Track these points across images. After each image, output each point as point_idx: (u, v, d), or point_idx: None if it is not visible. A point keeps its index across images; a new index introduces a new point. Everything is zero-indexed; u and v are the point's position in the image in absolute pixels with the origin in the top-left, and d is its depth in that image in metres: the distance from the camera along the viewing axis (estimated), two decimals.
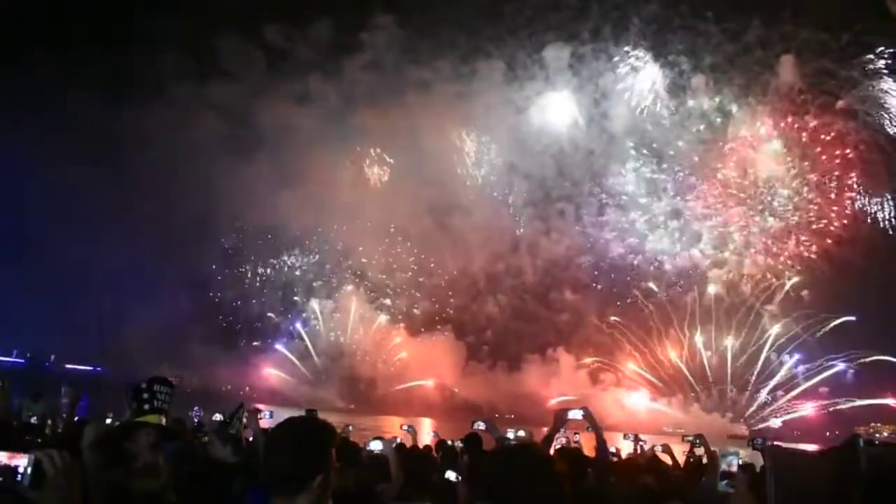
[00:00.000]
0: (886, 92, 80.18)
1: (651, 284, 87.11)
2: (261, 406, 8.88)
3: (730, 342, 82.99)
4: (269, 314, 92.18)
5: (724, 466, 7.36)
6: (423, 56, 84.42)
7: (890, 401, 75.65)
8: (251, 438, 8.17)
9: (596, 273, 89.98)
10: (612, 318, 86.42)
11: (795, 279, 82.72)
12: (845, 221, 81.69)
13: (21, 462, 2.62)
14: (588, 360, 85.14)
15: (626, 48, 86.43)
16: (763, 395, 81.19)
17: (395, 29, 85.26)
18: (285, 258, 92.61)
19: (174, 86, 79.49)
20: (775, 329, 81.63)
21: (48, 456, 2.61)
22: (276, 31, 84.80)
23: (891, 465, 4.72)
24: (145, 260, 76.81)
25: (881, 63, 78.79)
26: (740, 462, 8.36)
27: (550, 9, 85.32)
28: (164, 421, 4.95)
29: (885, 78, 79.47)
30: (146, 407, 5.07)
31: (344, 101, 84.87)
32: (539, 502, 2.96)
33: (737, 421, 79.88)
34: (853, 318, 77.90)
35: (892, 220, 79.94)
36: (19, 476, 2.59)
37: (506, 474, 3.14)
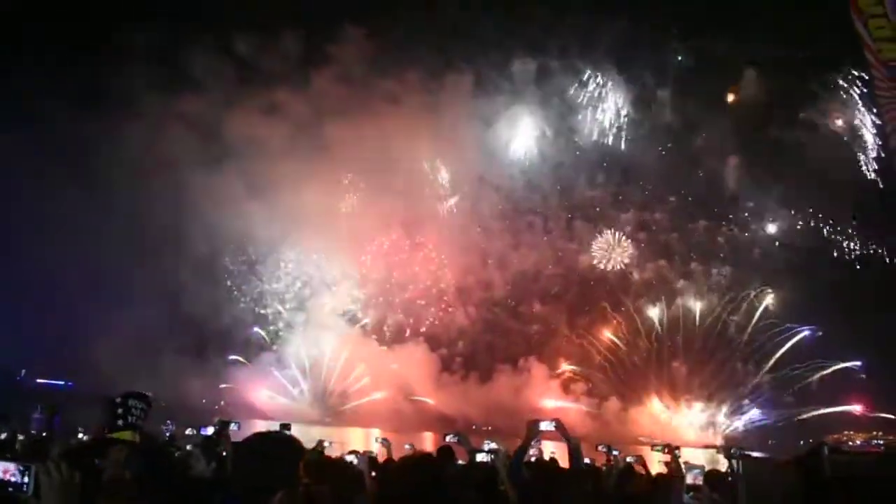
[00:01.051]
0: (848, 107, 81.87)
1: (620, 296, 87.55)
2: (228, 420, 8.78)
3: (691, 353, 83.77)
4: (253, 327, 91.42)
5: (689, 479, 7.43)
6: (392, 69, 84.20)
7: (854, 407, 76.48)
8: (224, 453, 8.09)
9: (564, 285, 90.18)
10: (583, 329, 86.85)
11: (761, 290, 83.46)
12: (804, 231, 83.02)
13: (13, 473, 2.71)
14: (565, 368, 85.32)
15: (592, 63, 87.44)
16: (732, 404, 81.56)
17: (364, 41, 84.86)
18: (257, 269, 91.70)
19: (143, 96, 78.39)
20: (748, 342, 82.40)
21: (46, 468, 2.66)
22: (245, 43, 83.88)
23: (854, 472, 4.79)
24: (116, 272, 75.74)
25: (841, 79, 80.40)
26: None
27: (518, 24, 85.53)
28: (137, 438, 4.87)
29: (848, 93, 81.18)
30: (120, 423, 4.97)
31: (313, 113, 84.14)
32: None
33: (709, 429, 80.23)
34: (812, 329, 79.07)
35: (853, 231, 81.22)
36: (24, 487, 2.69)
37: (396, 487, 3.17)
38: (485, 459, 7.50)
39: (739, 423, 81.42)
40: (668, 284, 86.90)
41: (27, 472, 2.92)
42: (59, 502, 2.71)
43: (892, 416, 75.92)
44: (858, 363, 77.10)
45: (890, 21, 7.06)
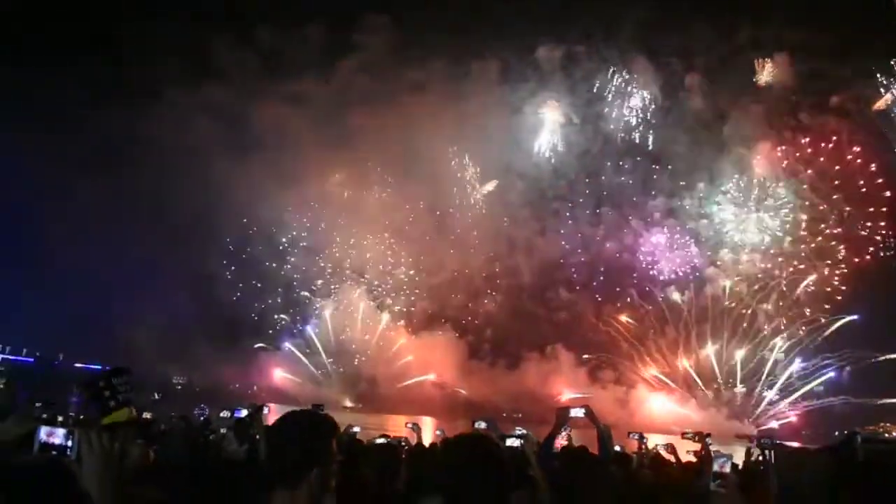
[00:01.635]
0: (879, 91, 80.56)
1: (648, 286, 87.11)
2: (261, 404, 8.87)
3: (720, 341, 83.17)
4: (279, 315, 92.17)
5: (716, 467, 7.37)
6: (416, 57, 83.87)
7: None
8: (257, 436, 8.17)
9: (592, 272, 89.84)
10: (610, 316, 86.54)
11: (791, 279, 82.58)
12: (839, 220, 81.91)
13: (60, 437, 3.00)
14: (589, 357, 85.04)
15: (618, 49, 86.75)
16: (770, 394, 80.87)
17: (388, 29, 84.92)
18: (287, 257, 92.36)
19: (169, 88, 79.05)
20: (779, 331, 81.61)
21: (87, 436, 2.82)
22: (270, 34, 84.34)
23: (888, 460, 4.73)
24: (149, 260, 77.00)
25: (872, 63, 78.99)
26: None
27: (542, 10, 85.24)
28: (133, 412, 4.86)
29: (878, 77, 79.83)
30: (112, 404, 4.93)
31: (338, 102, 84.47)
32: (483, 492, 3.01)
33: (742, 420, 79.59)
34: (855, 318, 77.97)
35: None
36: (68, 450, 2.93)
37: (452, 465, 3.20)
38: (514, 445, 7.50)
39: (776, 414, 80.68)
40: (697, 271, 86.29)
41: (71, 437, 3.13)
42: (98, 467, 2.87)
43: None
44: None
45: None
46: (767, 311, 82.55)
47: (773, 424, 78.90)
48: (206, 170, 76.97)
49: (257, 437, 7.77)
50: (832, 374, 78.21)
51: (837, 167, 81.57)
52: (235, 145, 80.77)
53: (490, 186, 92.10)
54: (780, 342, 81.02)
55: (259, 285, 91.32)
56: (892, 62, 77.85)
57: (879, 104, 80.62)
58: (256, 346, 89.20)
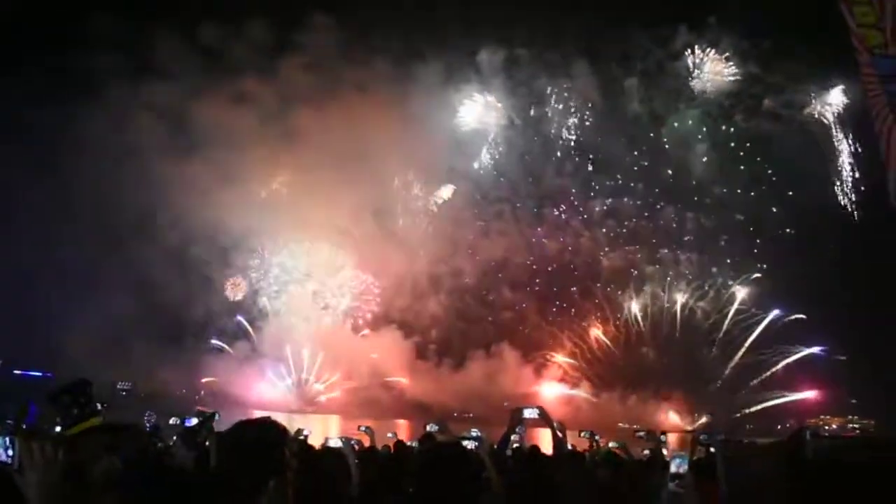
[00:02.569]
0: (810, 95, 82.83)
1: (589, 284, 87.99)
2: (213, 411, 8.74)
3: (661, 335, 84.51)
4: (228, 316, 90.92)
5: (673, 468, 7.44)
6: (360, 57, 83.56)
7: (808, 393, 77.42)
8: (207, 443, 8.01)
9: (534, 272, 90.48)
10: (553, 315, 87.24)
11: (729, 278, 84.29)
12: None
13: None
14: (559, 359, 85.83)
15: (560, 52, 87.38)
16: (716, 392, 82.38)
17: (332, 29, 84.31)
18: (230, 258, 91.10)
19: (108, 85, 77.19)
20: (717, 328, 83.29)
21: (27, 446, 2.66)
22: (212, 31, 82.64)
23: (835, 457, 4.81)
24: (89, 262, 74.93)
25: (803, 68, 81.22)
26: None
27: (485, 13, 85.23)
28: (102, 421, 4.74)
29: (807, 82, 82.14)
30: (87, 411, 4.84)
31: (282, 102, 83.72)
32: (453, 496, 2.98)
33: (691, 417, 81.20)
34: (781, 315, 79.99)
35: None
36: (9, 460, 2.76)
37: (422, 471, 3.16)
38: (469, 447, 7.48)
39: (716, 410, 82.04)
40: (637, 271, 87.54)
41: (12, 446, 2.99)
42: (40, 477, 2.70)
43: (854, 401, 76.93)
44: (819, 348, 77.96)
45: (874, 8, 7.09)
46: (704, 309, 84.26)
47: (731, 418, 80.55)
48: (147, 170, 75.73)
49: (206, 443, 7.63)
50: (779, 368, 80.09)
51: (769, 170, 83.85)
52: (176, 145, 79.42)
53: (447, 193, 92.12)
54: (722, 338, 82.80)
55: (203, 288, 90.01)
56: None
57: (810, 109, 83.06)
58: (210, 342, 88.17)
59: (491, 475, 6.03)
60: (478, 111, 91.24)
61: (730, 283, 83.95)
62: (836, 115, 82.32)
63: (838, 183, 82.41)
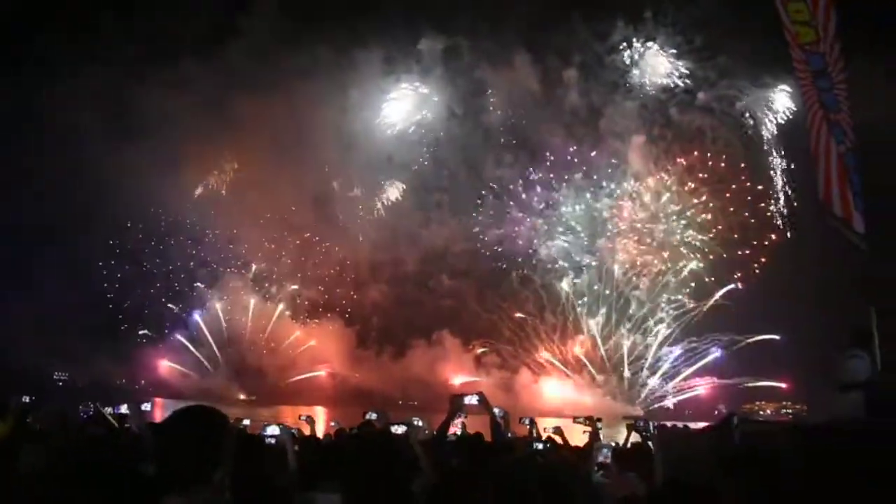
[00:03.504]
0: (741, 91, 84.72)
1: (528, 271, 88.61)
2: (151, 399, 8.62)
3: (597, 323, 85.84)
4: (166, 304, 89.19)
5: (599, 458, 7.56)
6: (301, 43, 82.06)
7: (769, 382, 79.27)
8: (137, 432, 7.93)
9: (473, 260, 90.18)
10: (492, 303, 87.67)
11: (666, 265, 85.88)
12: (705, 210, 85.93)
13: None
14: (475, 343, 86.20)
15: (500, 43, 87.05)
16: (654, 379, 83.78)
17: (273, 15, 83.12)
18: (168, 246, 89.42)
19: (42, 67, 75.24)
20: (652, 316, 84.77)
21: None
22: (152, 13, 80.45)
23: (762, 441, 4.95)
24: (19, 251, 72.74)
25: (735, 64, 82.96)
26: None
27: (426, 2, 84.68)
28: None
29: (741, 77, 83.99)
30: None
31: (221, 88, 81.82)
32: (380, 481, 2.99)
33: (631, 403, 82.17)
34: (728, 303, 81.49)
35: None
36: None
37: (349, 458, 3.18)
38: (398, 432, 7.51)
39: (655, 395, 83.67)
40: (575, 260, 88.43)
41: None
42: None
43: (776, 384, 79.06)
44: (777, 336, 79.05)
45: (807, 5, 7.27)
46: (639, 298, 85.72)
47: (668, 404, 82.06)
48: (81, 155, 73.46)
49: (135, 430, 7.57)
50: (717, 354, 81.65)
51: (708, 163, 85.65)
52: (113, 129, 77.26)
53: (394, 194, 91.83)
54: (657, 327, 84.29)
55: (140, 275, 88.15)
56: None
57: (742, 105, 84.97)
58: (142, 333, 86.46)
59: (422, 461, 6.06)
60: (417, 101, 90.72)
61: (665, 272, 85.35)
62: (768, 111, 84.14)
63: (772, 174, 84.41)
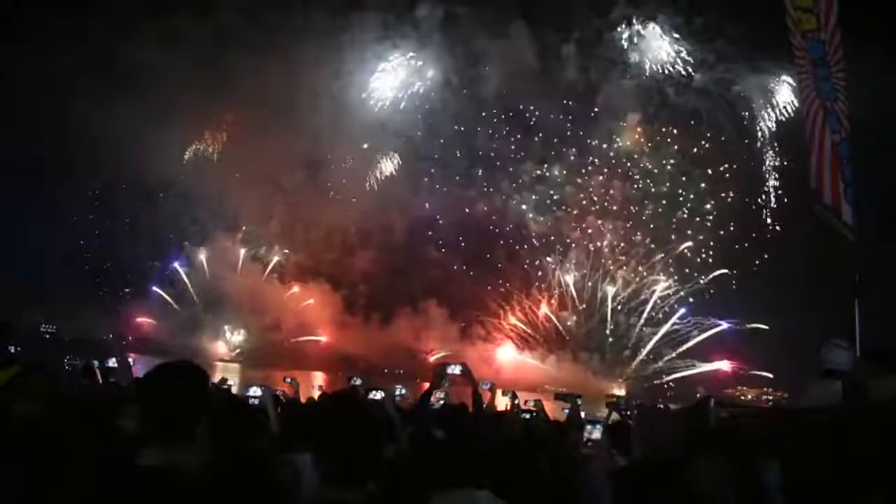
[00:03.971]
0: (738, 75, 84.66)
1: (517, 247, 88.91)
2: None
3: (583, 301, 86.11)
4: (152, 261, 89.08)
5: (586, 434, 7.65)
6: (296, 4, 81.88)
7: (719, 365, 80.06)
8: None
9: (462, 232, 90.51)
10: (479, 276, 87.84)
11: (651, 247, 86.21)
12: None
13: None
14: (460, 315, 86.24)
15: (498, 13, 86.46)
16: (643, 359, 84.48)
17: None
18: (157, 203, 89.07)
19: (31, 15, 74.31)
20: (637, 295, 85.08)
21: None
22: None
23: (738, 423, 5.03)
24: (6, 200, 72.20)
25: (733, 48, 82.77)
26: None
27: None
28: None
29: (737, 62, 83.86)
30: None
31: (214, 43, 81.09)
32: (351, 443, 3.02)
33: (615, 380, 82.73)
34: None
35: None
36: None
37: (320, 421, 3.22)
38: (376, 398, 7.60)
39: (645, 375, 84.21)
40: (563, 236, 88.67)
41: None
42: None
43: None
44: (735, 321, 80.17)
45: None
46: (625, 278, 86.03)
47: (636, 386, 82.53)
48: (69, 106, 72.84)
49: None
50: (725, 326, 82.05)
51: (703, 145, 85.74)
52: (102, 81, 76.29)
53: (389, 167, 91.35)
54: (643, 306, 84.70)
55: (126, 230, 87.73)
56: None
57: (738, 88, 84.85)
58: (133, 287, 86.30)
59: (397, 428, 6.12)
60: (412, 69, 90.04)
61: (652, 251, 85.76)
62: (764, 97, 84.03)
63: (764, 160, 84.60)
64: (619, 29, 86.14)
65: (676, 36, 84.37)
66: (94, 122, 73.05)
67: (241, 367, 71.27)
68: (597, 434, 7.43)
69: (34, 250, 70.58)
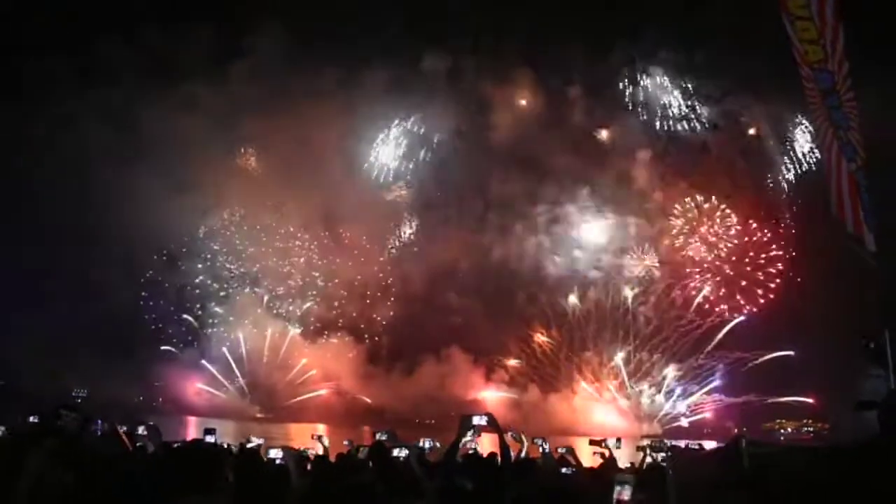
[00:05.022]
0: (745, 107, 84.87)
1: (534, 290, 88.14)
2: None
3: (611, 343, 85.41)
4: (184, 318, 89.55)
5: (615, 496, 7.38)
6: (309, 64, 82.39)
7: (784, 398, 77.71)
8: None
9: (481, 277, 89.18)
10: (499, 320, 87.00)
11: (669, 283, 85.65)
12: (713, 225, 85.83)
13: None
14: (513, 362, 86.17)
15: (504, 61, 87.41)
16: (664, 398, 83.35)
17: (280, 35, 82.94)
18: (179, 264, 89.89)
19: (54, 89, 76.09)
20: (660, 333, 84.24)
21: None
22: (158, 35, 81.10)
23: (771, 466, 4.87)
24: (35, 271, 73.08)
25: (738, 80, 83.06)
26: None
27: (429, 20, 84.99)
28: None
29: (742, 95, 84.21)
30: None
31: (230, 108, 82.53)
32: None
33: (650, 421, 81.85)
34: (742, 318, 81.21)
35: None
36: None
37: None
38: (399, 455, 7.50)
39: (673, 412, 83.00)
40: (582, 276, 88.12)
41: None
42: None
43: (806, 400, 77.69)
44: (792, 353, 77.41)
45: (815, 24, 7.24)
46: (646, 314, 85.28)
47: (683, 422, 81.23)
48: (92, 175, 74.38)
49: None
50: (718, 375, 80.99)
51: (714, 179, 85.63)
52: (122, 150, 78.07)
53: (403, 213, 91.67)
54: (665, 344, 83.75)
55: (153, 294, 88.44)
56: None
57: (746, 119, 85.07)
58: (162, 349, 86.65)
59: (421, 482, 6.01)
60: (423, 118, 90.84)
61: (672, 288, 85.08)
62: (774, 129, 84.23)
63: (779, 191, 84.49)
64: (621, 68, 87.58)
65: (679, 72, 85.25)
66: (114, 188, 74.47)
67: (272, 423, 71.14)
68: (626, 495, 7.13)
69: (61, 316, 70.87)
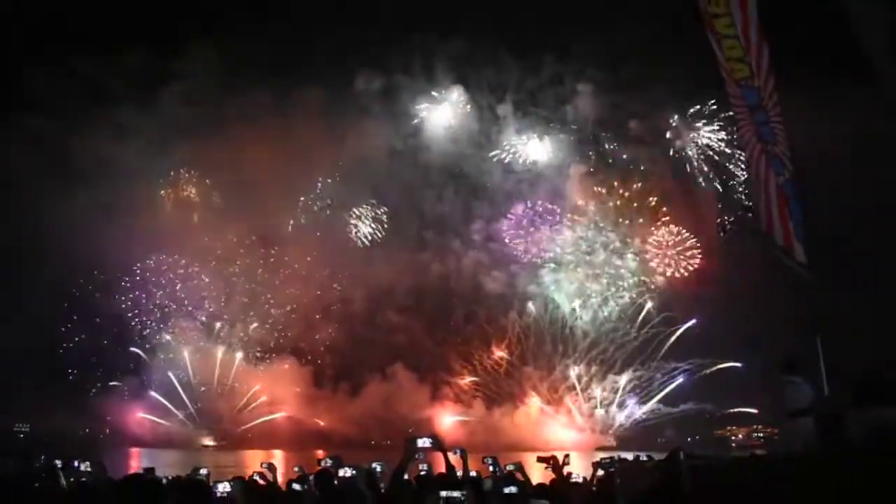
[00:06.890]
0: (670, 122, 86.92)
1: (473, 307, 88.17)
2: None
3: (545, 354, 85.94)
4: (129, 348, 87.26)
5: None
6: (241, 86, 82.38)
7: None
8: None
9: (420, 295, 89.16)
10: (440, 337, 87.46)
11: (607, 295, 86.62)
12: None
13: None
14: (468, 380, 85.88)
15: (436, 81, 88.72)
16: (624, 409, 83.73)
17: (210, 58, 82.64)
18: (113, 292, 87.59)
19: None
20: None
21: None
22: (87, 61, 79.92)
23: (709, 478, 5.00)
24: None
25: (664, 96, 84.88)
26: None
27: (361, 41, 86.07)
28: None
29: (668, 110, 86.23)
30: None
31: (162, 132, 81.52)
32: None
33: (604, 433, 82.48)
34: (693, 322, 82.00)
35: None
36: None
37: None
38: (347, 475, 7.44)
39: (621, 423, 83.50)
40: (519, 291, 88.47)
41: None
42: None
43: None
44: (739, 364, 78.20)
45: (741, 42, 7.45)
46: (583, 328, 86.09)
47: (633, 433, 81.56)
48: (23, 204, 72.95)
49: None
50: (681, 380, 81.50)
51: (643, 192, 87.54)
52: (53, 178, 76.18)
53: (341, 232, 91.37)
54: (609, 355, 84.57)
55: (89, 323, 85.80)
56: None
57: (670, 134, 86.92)
58: (102, 381, 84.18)
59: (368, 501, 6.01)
60: (358, 139, 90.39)
61: (608, 299, 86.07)
62: (698, 142, 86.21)
63: (706, 202, 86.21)
64: (550, 85, 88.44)
65: (606, 88, 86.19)
66: (48, 215, 72.72)
67: (222, 451, 69.69)
68: None
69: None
